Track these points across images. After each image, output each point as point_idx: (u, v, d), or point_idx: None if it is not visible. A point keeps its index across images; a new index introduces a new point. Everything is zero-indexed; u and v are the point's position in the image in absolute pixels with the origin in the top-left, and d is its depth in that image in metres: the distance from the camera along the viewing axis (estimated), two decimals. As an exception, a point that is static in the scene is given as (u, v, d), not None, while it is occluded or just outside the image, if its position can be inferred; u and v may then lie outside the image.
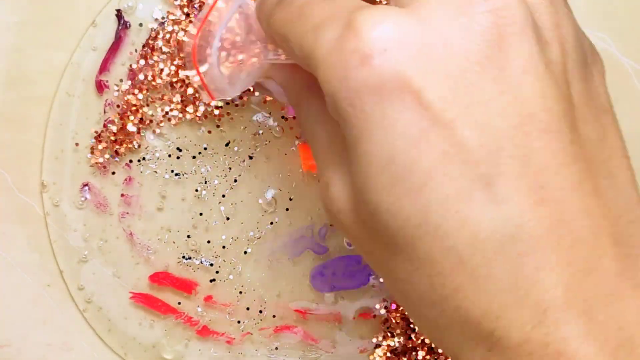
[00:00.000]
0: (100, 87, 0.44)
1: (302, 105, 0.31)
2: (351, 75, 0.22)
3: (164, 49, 0.43)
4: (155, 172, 0.45)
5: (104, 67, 0.44)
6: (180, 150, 0.45)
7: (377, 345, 0.46)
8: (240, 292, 0.46)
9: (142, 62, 0.44)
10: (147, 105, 0.44)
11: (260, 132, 0.45)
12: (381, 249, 0.24)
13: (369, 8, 0.23)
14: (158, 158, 0.45)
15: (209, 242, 0.45)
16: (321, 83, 0.23)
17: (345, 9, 0.23)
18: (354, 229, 0.25)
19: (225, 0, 0.33)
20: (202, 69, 0.34)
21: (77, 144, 0.45)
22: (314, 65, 0.24)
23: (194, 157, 0.45)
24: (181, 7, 0.44)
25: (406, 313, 0.45)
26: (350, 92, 0.22)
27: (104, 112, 0.45)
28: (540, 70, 0.22)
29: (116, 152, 0.44)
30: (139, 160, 0.45)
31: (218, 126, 0.45)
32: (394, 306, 0.45)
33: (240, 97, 0.44)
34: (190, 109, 0.44)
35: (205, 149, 0.45)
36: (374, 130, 0.22)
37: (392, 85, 0.22)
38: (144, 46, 0.44)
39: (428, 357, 0.45)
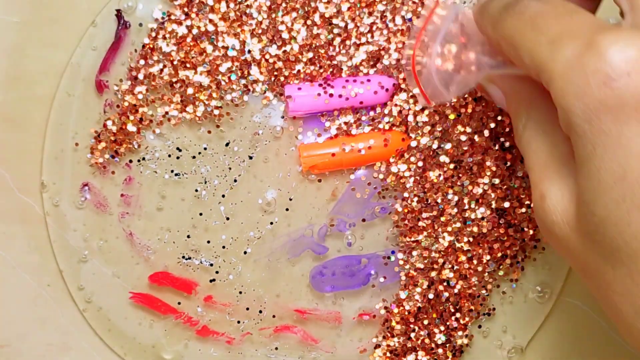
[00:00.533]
0: (100, 87, 0.44)
1: (521, 115, 0.31)
2: (591, 93, 0.23)
3: (164, 48, 0.43)
4: (155, 172, 0.45)
5: (104, 67, 0.44)
6: (180, 150, 0.45)
7: (377, 345, 0.46)
8: (240, 292, 0.46)
9: (142, 62, 0.44)
10: (147, 105, 0.44)
11: (260, 132, 0.45)
12: (599, 261, 0.25)
13: (612, 30, 0.24)
14: (158, 158, 0.45)
15: (208, 242, 0.45)
16: (555, 97, 0.24)
17: (586, 27, 0.24)
18: (570, 241, 0.26)
19: (443, 9, 0.35)
20: (420, 75, 0.35)
21: (77, 144, 0.45)
22: (547, 78, 0.25)
23: (193, 157, 0.45)
24: (181, 6, 0.44)
25: (405, 313, 0.45)
26: (588, 110, 0.23)
27: (104, 112, 0.45)
28: None
29: (116, 152, 0.44)
30: (138, 160, 0.45)
31: (218, 126, 0.45)
32: (393, 306, 0.45)
33: (240, 97, 0.45)
34: (190, 109, 0.44)
35: (205, 149, 0.45)
36: (608, 147, 0.23)
37: (632, 107, 0.23)
38: (144, 46, 0.44)
39: (428, 357, 0.45)
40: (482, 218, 0.44)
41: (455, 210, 0.44)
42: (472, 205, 0.44)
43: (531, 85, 0.30)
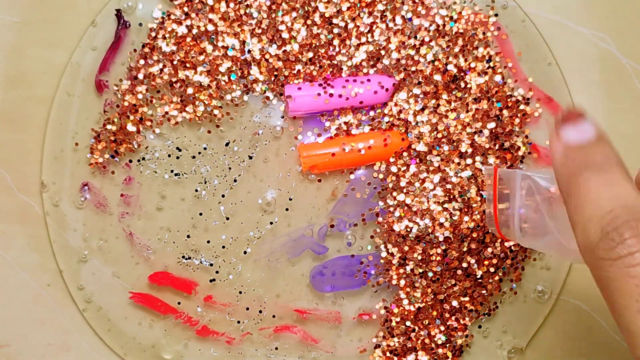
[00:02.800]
0: (100, 87, 0.44)
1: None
2: None
3: (164, 48, 0.43)
4: (155, 172, 0.45)
5: (104, 66, 0.44)
6: (180, 150, 0.45)
7: (377, 345, 0.46)
8: (240, 292, 0.46)
9: (142, 61, 0.44)
10: (147, 105, 0.44)
11: (260, 132, 0.45)
12: None
13: None
14: (158, 158, 0.45)
15: (208, 242, 0.45)
16: None
17: None
18: None
19: (507, 180, 0.35)
20: (503, 229, 0.36)
21: (76, 144, 0.45)
22: (631, 344, 0.24)
23: (193, 157, 0.45)
24: (181, 6, 0.44)
25: (405, 313, 0.45)
26: None
27: (104, 112, 0.45)
28: None
29: (116, 152, 0.44)
30: (138, 160, 0.45)
31: (218, 126, 0.45)
32: (393, 307, 0.45)
33: (240, 97, 0.45)
34: (189, 108, 0.44)
35: (205, 149, 0.45)
36: None
37: None
38: (143, 46, 0.44)
39: (428, 357, 0.45)
40: (482, 220, 0.44)
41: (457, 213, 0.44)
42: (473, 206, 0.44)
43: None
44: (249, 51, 0.44)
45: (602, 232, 0.24)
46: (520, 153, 0.45)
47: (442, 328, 0.45)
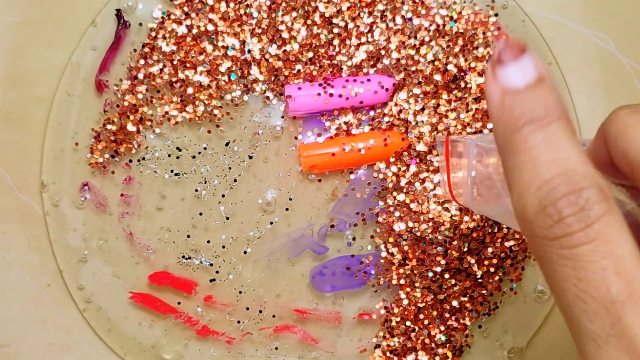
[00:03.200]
0: (100, 87, 0.44)
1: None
2: None
3: (164, 48, 0.43)
4: (155, 172, 0.45)
5: (104, 66, 0.44)
6: (180, 150, 0.45)
7: (377, 345, 0.46)
8: (240, 292, 0.46)
9: (142, 61, 0.44)
10: (147, 105, 0.44)
11: (260, 132, 0.45)
12: None
13: None
14: (158, 158, 0.45)
15: (208, 242, 0.45)
16: None
17: None
18: None
19: (457, 147, 0.34)
20: (457, 195, 0.36)
21: (76, 144, 0.45)
22: None
23: (193, 157, 0.45)
24: (181, 6, 0.44)
25: (405, 313, 0.45)
26: None
27: (104, 112, 0.45)
28: None
29: (116, 152, 0.44)
30: (138, 160, 0.45)
31: (218, 126, 0.45)
32: (394, 306, 0.45)
33: (240, 97, 0.45)
34: (189, 108, 0.44)
35: (205, 148, 0.45)
36: None
37: None
38: (143, 46, 0.44)
39: (428, 357, 0.45)
40: (482, 220, 0.44)
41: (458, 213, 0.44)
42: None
43: None
44: (249, 51, 0.44)
45: (539, 206, 0.21)
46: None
47: (442, 328, 0.45)
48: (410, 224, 0.44)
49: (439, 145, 0.36)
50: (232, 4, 0.44)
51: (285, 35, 0.44)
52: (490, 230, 0.44)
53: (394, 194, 0.44)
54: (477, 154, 0.33)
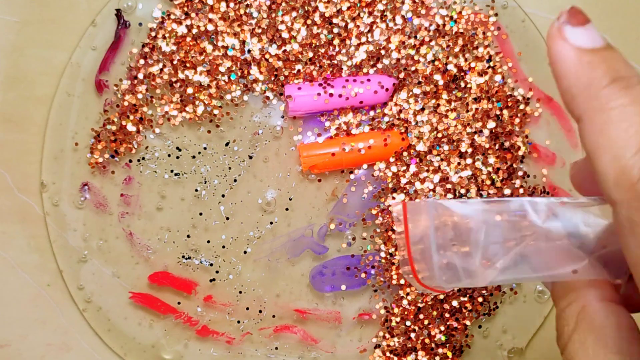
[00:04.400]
0: (100, 86, 0.44)
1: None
2: None
3: (164, 48, 0.43)
4: (155, 172, 0.45)
5: (104, 66, 0.44)
6: (180, 150, 0.45)
7: (377, 345, 0.46)
8: (240, 292, 0.46)
9: (142, 61, 0.44)
10: (147, 105, 0.44)
11: (260, 132, 0.45)
12: None
13: None
14: (158, 158, 0.45)
15: (208, 242, 0.45)
16: None
17: None
18: None
19: (415, 214, 0.31)
20: (420, 273, 0.32)
21: (76, 144, 0.45)
22: None
23: (193, 157, 0.45)
24: (181, 6, 0.44)
25: (405, 313, 0.45)
26: None
27: (104, 112, 0.45)
28: None
29: (116, 152, 0.44)
30: (138, 160, 0.45)
31: (218, 126, 0.45)
32: (393, 306, 0.45)
33: (240, 97, 0.45)
34: (189, 108, 0.44)
35: (205, 148, 0.45)
36: None
37: None
38: (143, 46, 0.44)
39: (428, 357, 0.45)
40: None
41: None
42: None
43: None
44: (249, 51, 0.44)
45: None
46: (520, 153, 0.45)
47: (442, 328, 0.45)
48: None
49: (396, 216, 0.32)
50: (232, 4, 0.44)
51: (285, 35, 0.44)
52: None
53: (394, 194, 0.44)
54: (440, 215, 0.30)
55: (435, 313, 0.45)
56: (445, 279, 0.29)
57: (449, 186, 0.44)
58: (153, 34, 0.44)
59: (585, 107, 0.21)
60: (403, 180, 0.44)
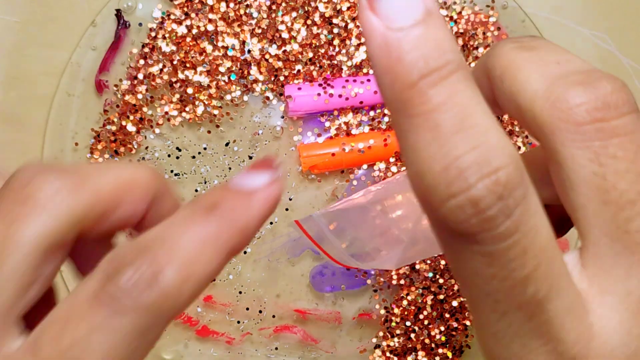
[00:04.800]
0: (100, 87, 0.44)
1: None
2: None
3: (164, 48, 0.43)
4: (155, 172, 0.45)
5: (104, 66, 0.44)
6: (180, 150, 0.45)
7: (377, 345, 0.46)
8: (240, 292, 0.46)
9: (142, 61, 0.44)
10: (147, 105, 0.44)
11: (260, 132, 0.45)
12: None
13: None
14: (157, 158, 0.45)
15: (208, 242, 0.45)
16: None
17: None
18: None
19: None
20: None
21: (76, 144, 0.45)
22: None
23: (193, 157, 0.45)
24: (181, 6, 0.44)
25: (405, 313, 0.45)
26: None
27: (104, 112, 0.45)
28: None
29: (116, 152, 0.44)
30: (138, 160, 0.45)
31: (218, 126, 0.45)
32: (393, 306, 0.45)
33: (240, 97, 0.45)
34: (189, 108, 0.44)
35: (204, 148, 0.45)
36: None
37: None
38: (143, 46, 0.44)
39: (428, 357, 0.45)
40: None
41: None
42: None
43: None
44: (249, 51, 0.44)
45: (448, 192, 0.16)
46: (520, 153, 0.45)
47: (442, 328, 0.45)
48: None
49: (299, 234, 0.36)
50: (232, 4, 0.44)
51: (285, 35, 0.44)
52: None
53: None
54: (330, 220, 0.33)
55: (435, 313, 0.45)
56: (358, 263, 0.32)
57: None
58: (153, 34, 0.44)
59: (393, 107, 0.17)
60: (403, 181, 0.44)
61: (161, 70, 0.44)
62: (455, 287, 0.45)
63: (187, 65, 0.43)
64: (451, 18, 0.45)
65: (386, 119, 0.45)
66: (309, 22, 0.44)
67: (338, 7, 0.44)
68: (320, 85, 0.44)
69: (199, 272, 0.19)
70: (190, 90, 0.44)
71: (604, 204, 0.18)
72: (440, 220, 0.17)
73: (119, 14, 0.44)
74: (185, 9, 0.44)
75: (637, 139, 0.18)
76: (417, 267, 0.45)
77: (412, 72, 0.16)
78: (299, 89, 0.43)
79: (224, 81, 0.44)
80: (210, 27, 0.43)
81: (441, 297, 0.45)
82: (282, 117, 0.45)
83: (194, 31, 0.43)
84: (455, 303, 0.45)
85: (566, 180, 0.19)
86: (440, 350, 0.45)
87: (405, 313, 0.45)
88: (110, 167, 0.22)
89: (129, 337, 0.19)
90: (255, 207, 0.20)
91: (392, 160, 0.44)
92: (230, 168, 0.45)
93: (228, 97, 0.44)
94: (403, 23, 0.16)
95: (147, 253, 0.19)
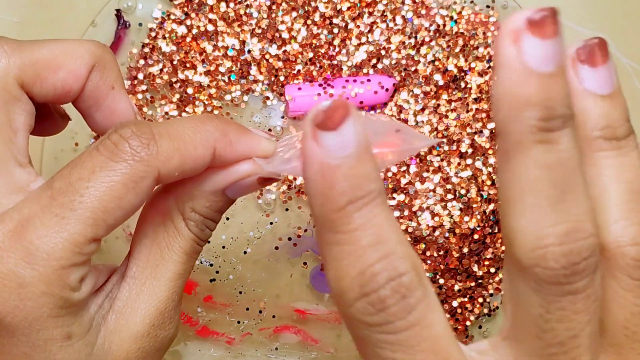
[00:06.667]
0: (100, 87, 0.44)
1: None
2: None
3: (164, 48, 0.43)
4: (155, 172, 0.45)
5: (104, 67, 0.44)
6: (180, 150, 0.45)
7: (377, 346, 0.46)
8: (240, 292, 0.46)
9: (142, 62, 0.44)
10: (147, 105, 0.44)
11: (260, 132, 0.45)
12: None
13: None
14: (158, 158, 0.45)
15: (208, 242, 0.45)
16: None
17: None
18: None
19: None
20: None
21: (76, 144, 0.45)
22: None
23: (193, 157, 0.45)
24: (181, 6, 0.44)
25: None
26: None
27: (104, 112, 0.45)
28: None
29: (116, 152, 0.44)
30: (138, 160, 0.45)
31: (218, 126, 0.45)
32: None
33: (240, 97, 0.45)
34: (189, 108, 0.44)
35: (205, 149, 0.45)
36: None
37: None
38: (143, 46, 0.44)
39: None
40: (482, 220, 0.44)
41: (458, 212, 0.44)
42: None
43: None
44: (249, 51, 0.44)
45: (361, 292, 0.20)
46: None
47: (442, 328, 0.45)
48: (412, 224, 0.44)
49: None
50: (232, 4, 0.44)
51: (285, 35, 0.44)
52: (490, 231, 0.44)
53: (394, 194, 0.44)
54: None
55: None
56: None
57: (449, 186, 0.44)
58: (153, 34, 0.44)
59: (320, 223, 0.21)
60: (403, 181, 0.44)
61: (161, 70, 0.44)
62: (456, 288, 0.45)
63: (187, 65, 0.43)
64: (451, 18, 0.45)
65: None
66: (309, 22, 0.44)
67: (338, 7, 0.44)
68: (320, 85, 0.44)
69: (186, 151, 0.25)
70: (190, 91, 0.44)
71: (538, 339, 0.23)
72: (353, 315, 0.21)
73: (119, 14, 0.44)
74: (185, 9, 0.44)
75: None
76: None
77: (341, 199, 0.20)
78: (299, 89, 0.44)
79: (224, 81, 0.44)
80: (210, 27, 0.43)
81: (441, 297, 0.45)
82: (282, 117, 0.45)
83: (194, 31, 0.43)
84: (455, 303, 0.45)
85: (515, 312, 0.26)
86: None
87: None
88: (51, 40, 0.28)
89: (123, 180, 0.23)
90: (250, 136, 0.28)
91: (392, 160, 0.44)
92: (230, 168, 0.45)
93: (228, 97, 0.44)
94: (339, 155, 0.20)
95: (150, 126, 0.25)
